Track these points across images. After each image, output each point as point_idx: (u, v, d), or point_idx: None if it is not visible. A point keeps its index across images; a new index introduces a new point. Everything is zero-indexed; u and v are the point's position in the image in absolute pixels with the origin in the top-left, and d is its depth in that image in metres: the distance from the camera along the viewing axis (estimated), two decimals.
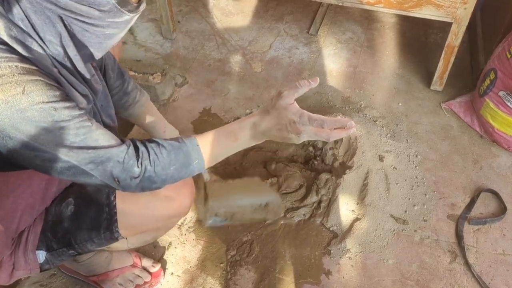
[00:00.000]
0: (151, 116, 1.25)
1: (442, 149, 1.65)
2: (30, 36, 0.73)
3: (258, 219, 1.26)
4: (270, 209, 1.21)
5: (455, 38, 1.68)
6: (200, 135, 0.88)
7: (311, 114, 0.84)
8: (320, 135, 0.84)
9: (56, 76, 0.77)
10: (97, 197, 0.97)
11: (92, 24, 0.74)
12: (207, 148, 0.87)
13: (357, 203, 1.44)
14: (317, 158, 1.59)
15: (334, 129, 0.85)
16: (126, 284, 1.23)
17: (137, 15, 0.79)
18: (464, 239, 1.37)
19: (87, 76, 0.85)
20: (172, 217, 1.06)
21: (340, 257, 1.34)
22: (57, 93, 0.73)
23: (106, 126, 0.99)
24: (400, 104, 1.82)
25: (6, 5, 0.71)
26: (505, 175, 1.56)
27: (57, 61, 0.78)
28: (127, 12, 0.75)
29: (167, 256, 1.35)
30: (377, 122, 1.71)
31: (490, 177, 1.55)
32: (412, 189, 1.50)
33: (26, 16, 0.72)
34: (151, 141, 0.83)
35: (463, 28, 1.65)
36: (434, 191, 1.51)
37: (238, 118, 1.76)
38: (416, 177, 1.54)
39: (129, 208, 0.98)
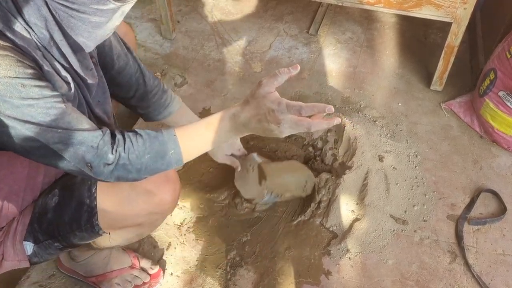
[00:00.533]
0: (188, 113, 1.24)
1: (442, 149, 1.64)
2: (14, 17, 0.72)
3: (297, 196, 1.43)
4: (308, 186, 1.42)
5: (455, 38, 1.68)
6: (179, 126, 0.86)
7: (289, 101, 0.81)
8: (301, 124, 0.80)
9: (37, 58, 0.76)
10: (79, 189, 0.95)
11: (77, 10, 0.73)
12: (186, 139, 0.85)
13: (357, 203, 1.44)
14: (317, 158, 1.59)
15: (318, 120, 0.81)
16: (124, 284, 1.23)
17: (126, 6, 0.77)
18: (464, 240, 1.37)
19: (76, 65, 0.83)
20: (153, 213, 1.02)
21: (340, 258, 1.33)
22: (28, 71, 0.72)
23: (99, 120, 0.99)
24: (400, 104, 1.82)
25: None
26: (505, 175, 1.56)
27: (42, 45, 0.77)
28: (112, 0, 0.73)
29: (167, 256, 1.34)
30: (376, 122, 1.71)
31: (490, 177, 1.55)
32: (412, 189, 1.50)
33: None
34: (129, 130, 0.83)
35: (463, 28, 1.65)
36: (434, 191, 1.50)
37: None
38: (416, 177, 1.54)
39: (108, 201, 0.95)
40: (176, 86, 1.89)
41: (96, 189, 0.94)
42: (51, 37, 0.76)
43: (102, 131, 0.79)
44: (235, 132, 0.86)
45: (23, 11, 0.72)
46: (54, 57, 0.79)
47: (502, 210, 1.45)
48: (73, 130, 0.76)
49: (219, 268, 1.32)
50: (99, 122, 0.98)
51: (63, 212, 0.95)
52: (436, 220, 1.43)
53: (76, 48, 0.80)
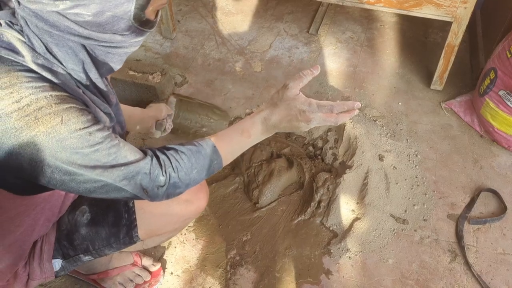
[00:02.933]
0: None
1: (442, 149, 1.64)
2: (56, 64, 0.74)
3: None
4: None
5: (455, 37, 1.68)
6: (214, 136, 0.90)
7: (319, 101, 0.88)
8: (329, 119, 0.88)
9: (82, 98, 0.78)
10: (114, 204, 0.99)
11: (115, 47, 0.75)
12: (223, 148, 0.89)
13: (357, 203, 1.44)
14: (318, 157, 1.59)
15: (342, 114, 0.89)
16: (126, 283, 1.23)
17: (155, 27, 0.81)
18: (464, 239, 1.37)
19: (105, 89, 0.86)
20: (188, 218, 1.09)
21: (340, 257, 1.33)
22: (89, 117, 0.74)
23: (118, 134, 1.00)
24: (400, 103, 1.82)
25: (26, 38, 0.72)
26: (505, 174, 1.56)
27: (81, 83, 0.79)
28: (148, 29, 0.76)
29: (167, 255, 1.35)
30: (377, 122, 1.71)
31: (490, 177, 1.55)
32: (412, 188, 1.50)
33: (47, 49, 0.72)
34: (168, 148, 0.85)
35: (463, 28, 1.65)
36: (434, 191, 1.50)
37: (238, 117, 1.76)
38: (416, 177, 1.53)
39: (149, 213, 1.00)
40: (176, 86, 1.89)
41: (133, 203, 0.99)
42: (88, 77, 0.78)
43: (149, 155, 0.81)
44: (266, 133, 0.92)
45: (60, 60, 0.74)
46: (92, 93, 0.82)
47: (502, 209, 1.45)
48: (130, 164, 0.77)
49: (219, 268, 1.32)
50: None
51: (99, 228, 0.98)
52: (436, 220, 1.43)
53: (106, 73, 0.83)
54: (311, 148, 1.62)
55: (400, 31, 2.18)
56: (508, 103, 1.52)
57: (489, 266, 1.32)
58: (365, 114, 1.75)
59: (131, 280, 1.24)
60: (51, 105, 0.69)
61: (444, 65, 1.77)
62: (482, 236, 1.39)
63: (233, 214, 1.44)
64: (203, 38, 2.14)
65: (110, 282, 1.23)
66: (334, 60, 2.03)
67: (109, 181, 0.76)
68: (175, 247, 1.36)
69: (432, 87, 1.87)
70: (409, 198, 1.47)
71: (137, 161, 0.78)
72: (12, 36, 0.71)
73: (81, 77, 0.77)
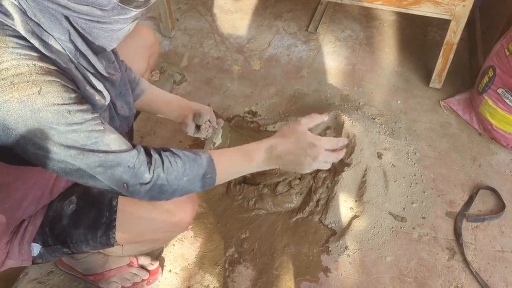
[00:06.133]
0: (158, 92, 1.21)
1: (440, 147, 1.64)
2: (46, 31, 0.72)
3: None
4: None
5: (453, 35, 1.68)
6: (216, 151, 0.89)
7: (327, 137, 0.95)
8: (336, 157, 0.95)
9: (73, 73, 0.76)
10: (99, 200, 0.97)
11: (98, 22, 0.73)
12: (222, 165, 0.87)
13: (356, 201, 1.44)
14: None
15: (337, 152, 0.96)
16: (122, 282, 1.23)
17: (146, 7, 0.77)
18: (463, 236, 1.37)
19: (101, 69, 0.83)
20: (170, 231, 1.05)
21: (339, 255, 1.33)
22: (72, 95, 0.72)
23: (122, 116, 0.99)
24: (399, 101, 1.82)
25: (17, 2, 0.70)
26: (504, 172, 1.56)
27: (72, 56, 0.77)
28: (133, 9, 0.73)
29: (165, 253, 1.35)
30: (375, 120, 1.71)
31: (489, 175, 1.55)
32: (410, 186, 1.50)
33: (35, 14, 0.71)
34: (165, 149, 0.83)
35: (462, 26, 1.64)
36: (432, 189, 1.50)
37: (236, 115, 1.75)
38: (415, 175, 1.53)
39: (129, 216, 0.98)
40: (175, 84, 1.89)
41: (117, 202, 0.96)
42: (76, 48, 0.76)
43: (137, 150, 0.79)
44: (269, 163, 0.92)
45: (45, 27, 0.72)
46: (83, 66, 0.79)
47: (501, 207, 1.45)
48: (111, 152, 0.76)
49: (218, 265, 1.32)
50: (123, 119, 0.99)
51: (80, 221, 0.96)
52: (434, 217, 1.43)
53: (100, 50, 0.81)
54: None
55: (399, 29, 2.18)
56: (507, 101, 1.52)
57: (487, 263, 1.32)
58: (364, 112, 1.75)
59: (128, 279, 1.24)
60: (31, 74, 0.68)
61: (442, 63, 1.77)
62: (480, 233, 1.39)
63: (232, 212, 1.44)
64: (202, 37, 2.14)
65: (106, 283, 1.23)
66: (333, 58, 2.02)
67: (83, 166, 0.74)
68: (174, 244, 1.36)
69: (431, 85, 1.86)
70: (407, 196, 1.47)
71: (120, 151, 0.77)
72: (6, 0, 0.70)
73: (69, 47, 0.75)
